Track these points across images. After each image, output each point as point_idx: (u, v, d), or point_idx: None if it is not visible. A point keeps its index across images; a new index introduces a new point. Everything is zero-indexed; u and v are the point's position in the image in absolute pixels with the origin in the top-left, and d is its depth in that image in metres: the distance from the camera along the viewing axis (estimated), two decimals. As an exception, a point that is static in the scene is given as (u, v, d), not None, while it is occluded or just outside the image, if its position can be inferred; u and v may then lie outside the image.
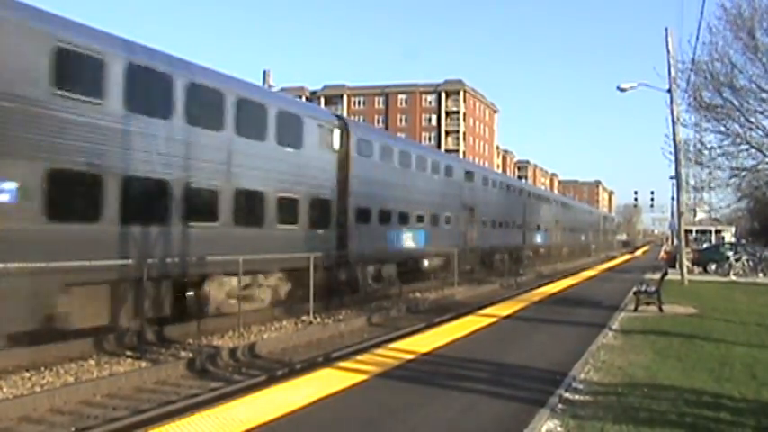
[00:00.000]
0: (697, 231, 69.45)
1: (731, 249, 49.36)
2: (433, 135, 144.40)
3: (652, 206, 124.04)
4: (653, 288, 23.33)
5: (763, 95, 25.43)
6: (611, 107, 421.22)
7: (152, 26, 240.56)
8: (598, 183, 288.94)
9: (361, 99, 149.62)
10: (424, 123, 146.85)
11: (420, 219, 35.83)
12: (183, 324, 19.48)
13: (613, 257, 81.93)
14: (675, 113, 33.68)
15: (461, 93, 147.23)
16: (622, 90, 36.40)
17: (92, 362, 15.57)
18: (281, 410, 9.17)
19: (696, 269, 46.19)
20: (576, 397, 10.51)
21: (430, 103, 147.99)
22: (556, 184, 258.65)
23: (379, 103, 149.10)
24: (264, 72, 37.03)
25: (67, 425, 11.27)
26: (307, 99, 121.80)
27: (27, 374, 14.20)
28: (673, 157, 35.39)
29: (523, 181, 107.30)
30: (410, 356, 13.42)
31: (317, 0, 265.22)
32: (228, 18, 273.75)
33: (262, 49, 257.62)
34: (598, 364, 13.16)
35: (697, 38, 38.10)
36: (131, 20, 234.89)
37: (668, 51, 34.45)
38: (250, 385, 13.06)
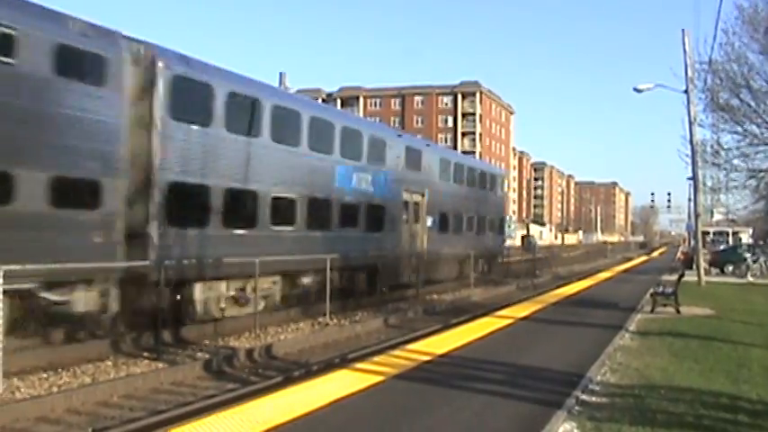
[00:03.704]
0: (714, 233, 69.14)
1: (748, 251, 49.03)
2: (449, 136, 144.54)
3: (669, 207, 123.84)
4: (670, 289, 23.21)
5: (781, 96, 25.30)
6: (627, 108, 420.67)
7: (173, 28, 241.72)
8: (615, 184, 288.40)
9: (378, 101, 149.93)
10: (440, 125, 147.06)
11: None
12: (199, 325, 19.52)
13: (630, 259, 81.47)
14: (692, 114, 33.47)
15: (477, 94, 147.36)
16: (639, 91, 36.22)
17: (109, 363, 15.60)
18: (298, 411, 9.19)
19: (713, 270, 45.84)
20: (593, 399, 10.49)
21: (446, 104, 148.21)
22: (572, 185, 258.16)
23: (395, 104, 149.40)
24: (281, 74, 37.01)
25: (85, 425, 11.30)
26: (323, 101, 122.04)
27: (44, 375, 14.25)
28: (689, 159, 35.17)
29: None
30: (426, 358, 13.42)
31: (333, 3, 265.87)
32: (247, 22, 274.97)
33: (279, 52, 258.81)
34: (615, 365, 13.12)
35: (714, 38, 37.88)
36: (153, 21, 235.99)
37: (685, 52, 34.29)
38: (267, 386, 13.05)
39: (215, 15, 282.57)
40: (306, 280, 24.40)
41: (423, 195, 33.09)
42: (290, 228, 23.20)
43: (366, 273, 28.36)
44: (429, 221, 33.79)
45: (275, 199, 22.37)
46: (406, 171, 31.75)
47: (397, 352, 14.24)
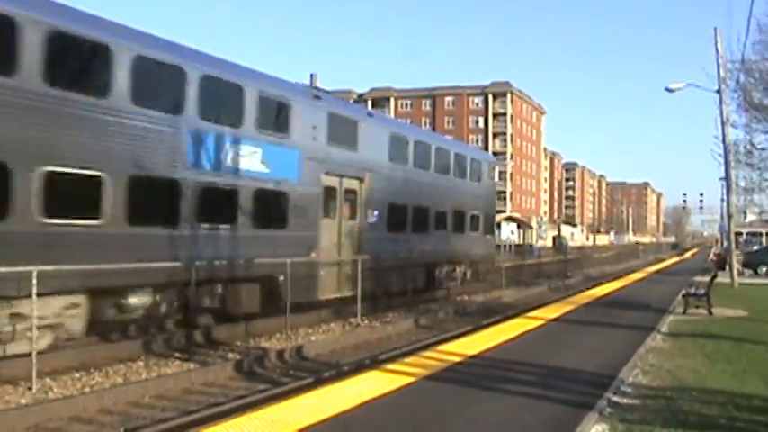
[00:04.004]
0: (747, 233, 68.60)
1: (782, 252, 48.61)
2: (480, 137, 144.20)
3: (701, 208, 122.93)
4: (702, 291, 23.02)
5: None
6: (659, 108, 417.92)
7: (207, 31, 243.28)
8: (646, 184, 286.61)
9: (408, 102, 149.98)
10: (471, 125, 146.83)
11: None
12: (231, 326, 19.56)
13: (662, 260, 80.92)
14: (725, 114, 33.18)
15: (508, 94, 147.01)
16: (671, 91, 35.91)
17: (140, 363, 15.68)
18: (329, 412, 9.20)
19: (746, 272, 45.43)
20: (625, 400, 10.44)
21: (477, 105, 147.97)
22: (604, 185, 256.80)
23: (425, 105, 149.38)
24: (311, 75, 37.05)
25: (116, 425, 11.37)
26: (353, 101, 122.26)
27: (77, 375, 14.34)
28: (722, 159, 34.86)
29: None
30: (458, 359, 13.39)
31: (364, 6, 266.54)
32: (279, 23, 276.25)
33: (311, 53, 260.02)
34: (647, 367, 13.04)
35: (746, 37, 37.51)
36: (184, 22, 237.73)
37: (717, 51, 33.97)
38: (298, 387, 13.08)
39: (249, 18, 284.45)
40: (137, 299, 16.77)
41: (361, 181, 25.14)
42: (88, 222, 15.29)
43: (260, 287, 20.38)
44: (372, 217, 25.82)
45: (55, 175, 14.42)
46: (329, 147, 23.29)
47: (427, 353, 14.22)
